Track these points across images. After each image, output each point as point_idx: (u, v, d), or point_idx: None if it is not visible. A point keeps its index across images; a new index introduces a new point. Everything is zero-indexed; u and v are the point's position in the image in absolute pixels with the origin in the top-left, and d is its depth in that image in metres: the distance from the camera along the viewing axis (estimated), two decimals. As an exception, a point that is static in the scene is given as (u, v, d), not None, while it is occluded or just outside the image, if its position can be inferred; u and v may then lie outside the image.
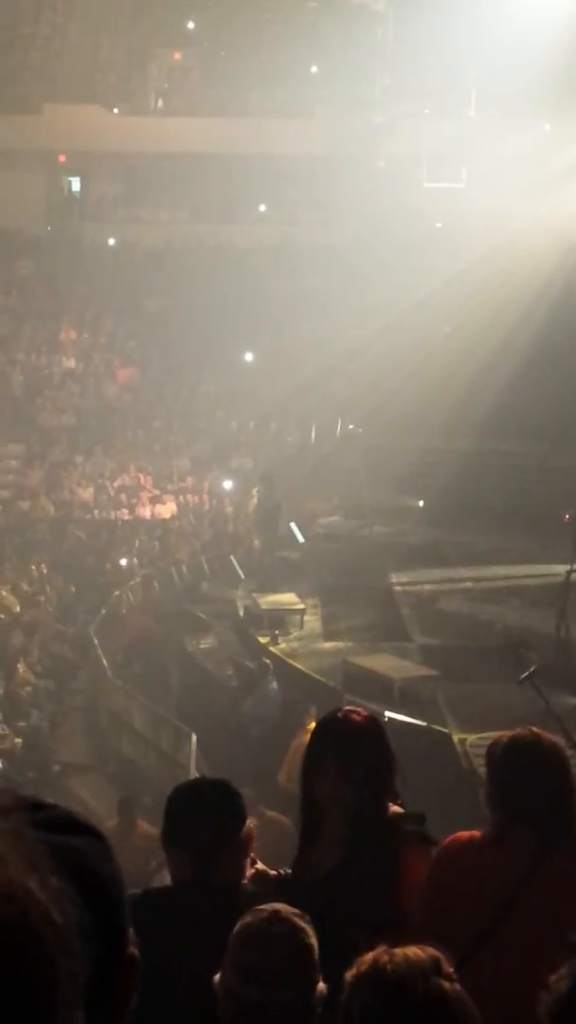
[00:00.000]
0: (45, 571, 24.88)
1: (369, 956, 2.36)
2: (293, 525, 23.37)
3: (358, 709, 4.17)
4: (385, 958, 2.33)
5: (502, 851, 3.64)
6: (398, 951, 2.35)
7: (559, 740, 3.86)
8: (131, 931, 1.35)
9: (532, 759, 3.68)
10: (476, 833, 3.78)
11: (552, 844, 3.60)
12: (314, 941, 2.74)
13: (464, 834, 3.79)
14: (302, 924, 2.73)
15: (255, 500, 22.57)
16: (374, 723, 4.05)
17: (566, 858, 3.60)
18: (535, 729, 3.84)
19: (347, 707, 4.16)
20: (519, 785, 3.65)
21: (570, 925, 3.42)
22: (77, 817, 1.33)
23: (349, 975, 2.35)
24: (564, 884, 3.56)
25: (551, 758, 3.72)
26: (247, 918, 2.75)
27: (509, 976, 3.37)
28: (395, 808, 3.92)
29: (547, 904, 3.53)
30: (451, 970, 2.35)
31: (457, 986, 2.33)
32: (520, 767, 3.66)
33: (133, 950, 1.34)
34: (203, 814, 3.47)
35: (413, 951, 2.35)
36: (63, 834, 1.29)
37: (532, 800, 3.62)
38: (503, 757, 3.71)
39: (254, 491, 24.93)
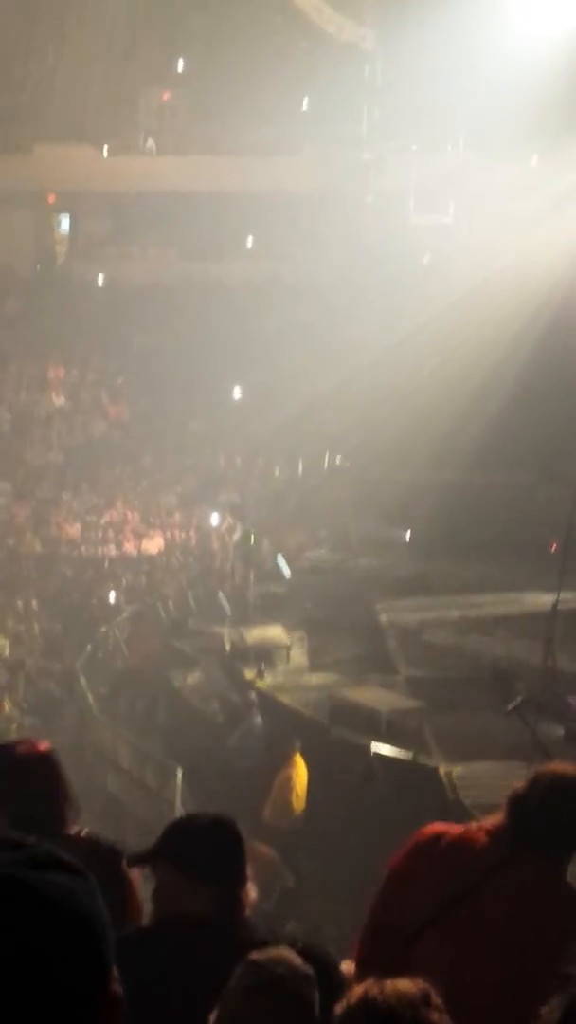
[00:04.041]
0: (34, 606, 24.82)
1: (359, 988, 2.37)
2: (280, 558, 23.36)
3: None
4: (375, 990, 2.33)
5: (477, 845, 3.66)
6: (388, 983, 2.35)
7: None
8: (115, 969, 1.35)
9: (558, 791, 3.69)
10: (453, 826, 3.82)
11: (528, 853, 3.60)
12: (316, 995, 2.70)
13: (441, 825, 3.83)
14: (307, 985, 2.67)
15: (237, 534, 22.60)
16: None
17: (541, 873, 3.60)
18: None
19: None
20: (535, 809, 3.66)
21: (524, 936, 3.43)
22: (60, 855, 1.34)
23: (339, 1007, 2.36)
24: (529, 894, 3.57)
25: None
26: (248, 978, 2.68)
27: (453, 961, 3.42)
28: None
29: (506, 907, 3.54)
30: (440, 1002, 2.35)
31: (446, 1017, 2.33)
32: (543, 794, 3.68)
33: (117, 988, 1.34)
34: (228, 851, 3.51)
35: (403, 983, 2.36)
36: (47, 871, 1.30)
37: (541, 823, 3.64)
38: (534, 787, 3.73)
39: (226, 527, 25.01)
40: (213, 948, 3.28)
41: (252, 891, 3.54)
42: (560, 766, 3.83)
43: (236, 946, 3.10)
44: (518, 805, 3.67)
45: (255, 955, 2.74)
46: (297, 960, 2.73)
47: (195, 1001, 2.97)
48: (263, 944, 3.13)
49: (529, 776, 3.79)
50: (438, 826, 3.82)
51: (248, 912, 3.52)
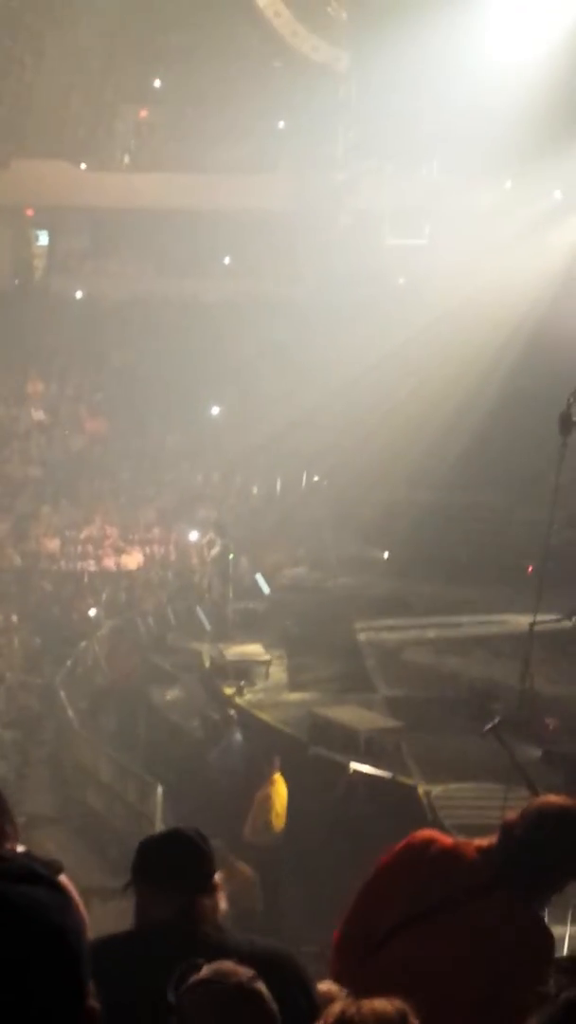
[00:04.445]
0: (14, 620, 24.85)
1: (336, 1008, 2.40)
2: (259, 576, 23.47)
3: None
4: (353, 1010, 2.36)
5: (465, 861, 3.76)
6: (365, 1003, 2.38)
7: None
8: (91, 984, 1.36)
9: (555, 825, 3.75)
10: (447, 837, 3.92)
11: (511, 881, 3.68)
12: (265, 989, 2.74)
13: (435, 832, 3.94)
14: (257, 982, 2.70)
15: (216, 549, 22.73)
16: None
17: (517, 903, 3.68)
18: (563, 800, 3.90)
19: None
20: (521, 839, 3.73)
21: (486, 959, 3.60)
22: (36, 869, 1.36)
23: None
24: (500, 922, 3.66)
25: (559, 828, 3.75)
26: (202, 989, 2.69)
27: (420, 965, 3.55)
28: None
29: (477, 928, 3.64)
30: (417, 1022, 2.38)
31: None
32: (530, 826, 3.74)
33: (93, 1003, 1.36)
34: (188, 859, 3.58)
35: (380, 1003, 2.38)
36: (22, 885, 1.32)
37: (526, 854, 3.71)
38: (535, 817, 3.78)
39: (206, 541, 25.06)
40: (174, 954, 3.25)
41: (222, 899, 3.58)
42: (552, 799, 3.87)
43: (200, 952, 3.16)
44: (508, 833, 3.73)
45: (198, 977, 2.73)
46: (235, 965, 2.74)
47: (152, 1007, 3.00)
48: (228, 950, 3.25)
49: (524, 806, 3.85)
50: (431, 833, 3.91)
51: (220, 917, 3.55)
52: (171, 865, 3.57)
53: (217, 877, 3.61)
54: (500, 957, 3.56)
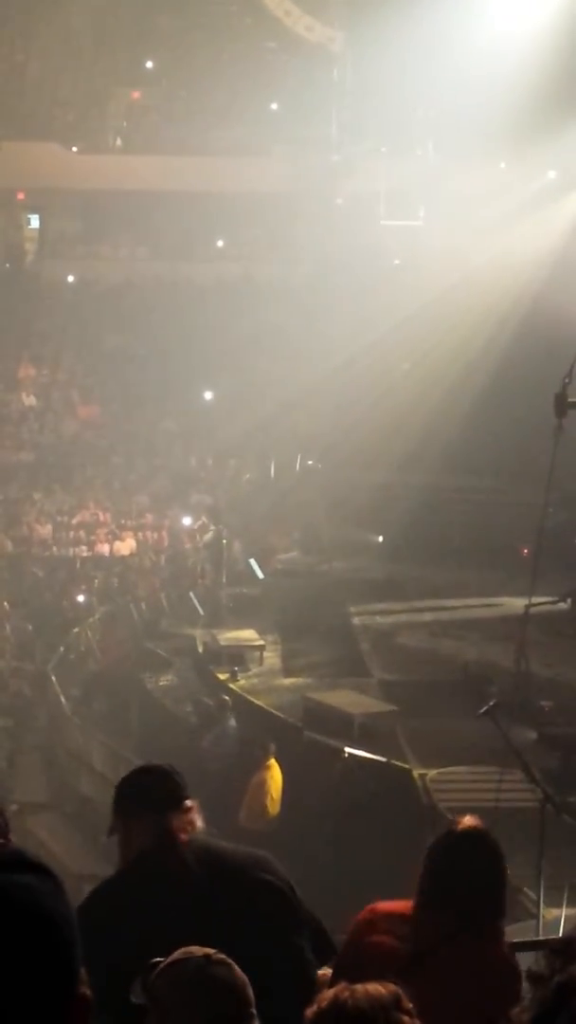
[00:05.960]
0: (6, 607, 24.74)
1: (330, 992, 2.36)
2: (252, 561, 23.43)
3: None
4: (346, 994, 2.32)
5: (415, 925, 3.75)
6: (359, 987, 2.34)
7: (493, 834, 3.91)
8: (83, 971, 1.33)
9: (465, 850, 3.78)
10: (400, 905, 3.88)
11: (464, 928, 3.68)
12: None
13: (388, 904, 3.91)
14: (231, 961, 2.71)
15: (209, 534, 22.65)
16: None
17: (475, 946, 3.69)
18: (475, 823, 3.91)
19: None
20: (447, 872, 3.77)
21: (464, 1010, 3.50)
22: (27, 855, 1.32)
23: (310, 1011, 2.34)
24: (463, 970, 3.65)
25: (483, 851, 3.79)
26: (172, 970, 2.69)
27: None
28: None
29: (447, 981, 3.61)
30: (411, 1006, 2.35)
31: (417, 1021, 2.33)
32: (451, 856, 3.78)
33: (85, 990, 1.33)
34: (157, 784, 3.79)
35: (374, 987, 2.35)
36: (12, 872, 1.29)
37: (456, 885, 3.73)
38: (439, 845, 3.82)
39: (199, 526, 24.98)
40: (169, 870, 3.55)
41: (197, 818, 3.74)
42: (438, 838, 3.85)
43: (192, 857, 3.50)
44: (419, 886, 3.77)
45: (165, 963, 2.72)
46: (196, 947, 2.74)
47: (165, 927, 3.12)
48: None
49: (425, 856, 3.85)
50: (385, 904, 3.88)
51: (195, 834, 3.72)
52: (143, 792, 3.77)
53: (190, 802, 3.77)
54: (471, 1001, 3.58)
